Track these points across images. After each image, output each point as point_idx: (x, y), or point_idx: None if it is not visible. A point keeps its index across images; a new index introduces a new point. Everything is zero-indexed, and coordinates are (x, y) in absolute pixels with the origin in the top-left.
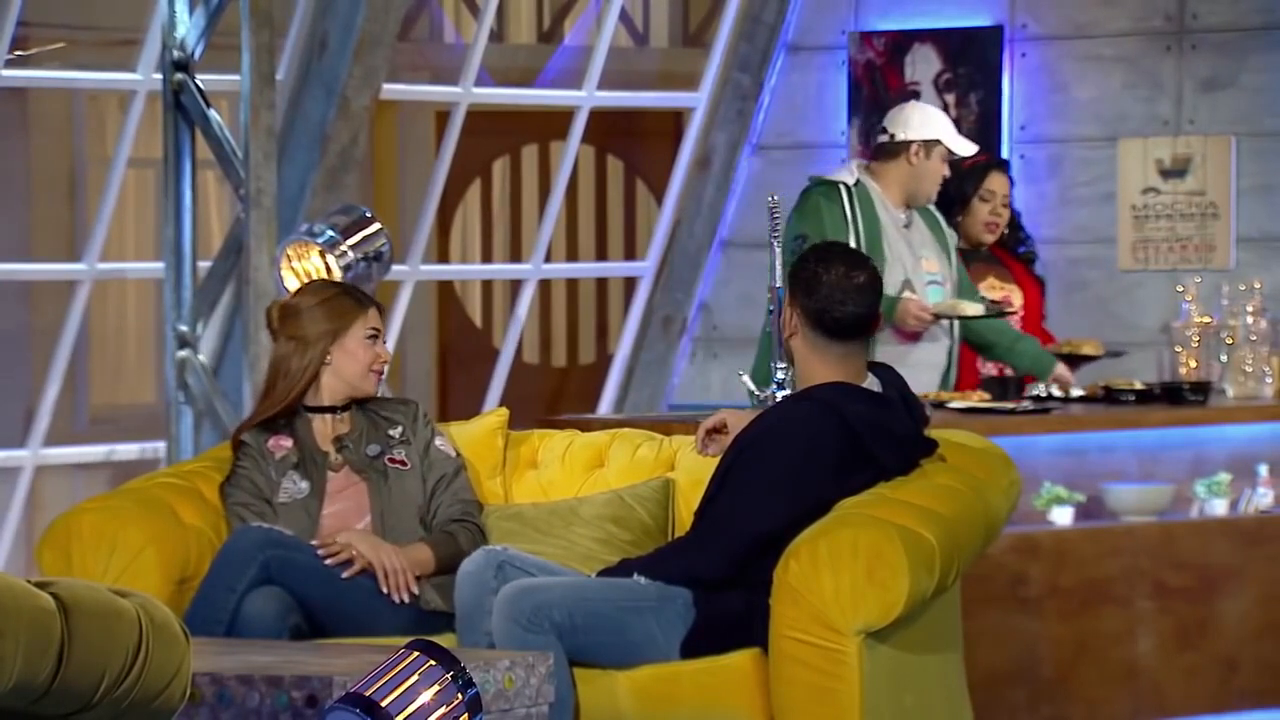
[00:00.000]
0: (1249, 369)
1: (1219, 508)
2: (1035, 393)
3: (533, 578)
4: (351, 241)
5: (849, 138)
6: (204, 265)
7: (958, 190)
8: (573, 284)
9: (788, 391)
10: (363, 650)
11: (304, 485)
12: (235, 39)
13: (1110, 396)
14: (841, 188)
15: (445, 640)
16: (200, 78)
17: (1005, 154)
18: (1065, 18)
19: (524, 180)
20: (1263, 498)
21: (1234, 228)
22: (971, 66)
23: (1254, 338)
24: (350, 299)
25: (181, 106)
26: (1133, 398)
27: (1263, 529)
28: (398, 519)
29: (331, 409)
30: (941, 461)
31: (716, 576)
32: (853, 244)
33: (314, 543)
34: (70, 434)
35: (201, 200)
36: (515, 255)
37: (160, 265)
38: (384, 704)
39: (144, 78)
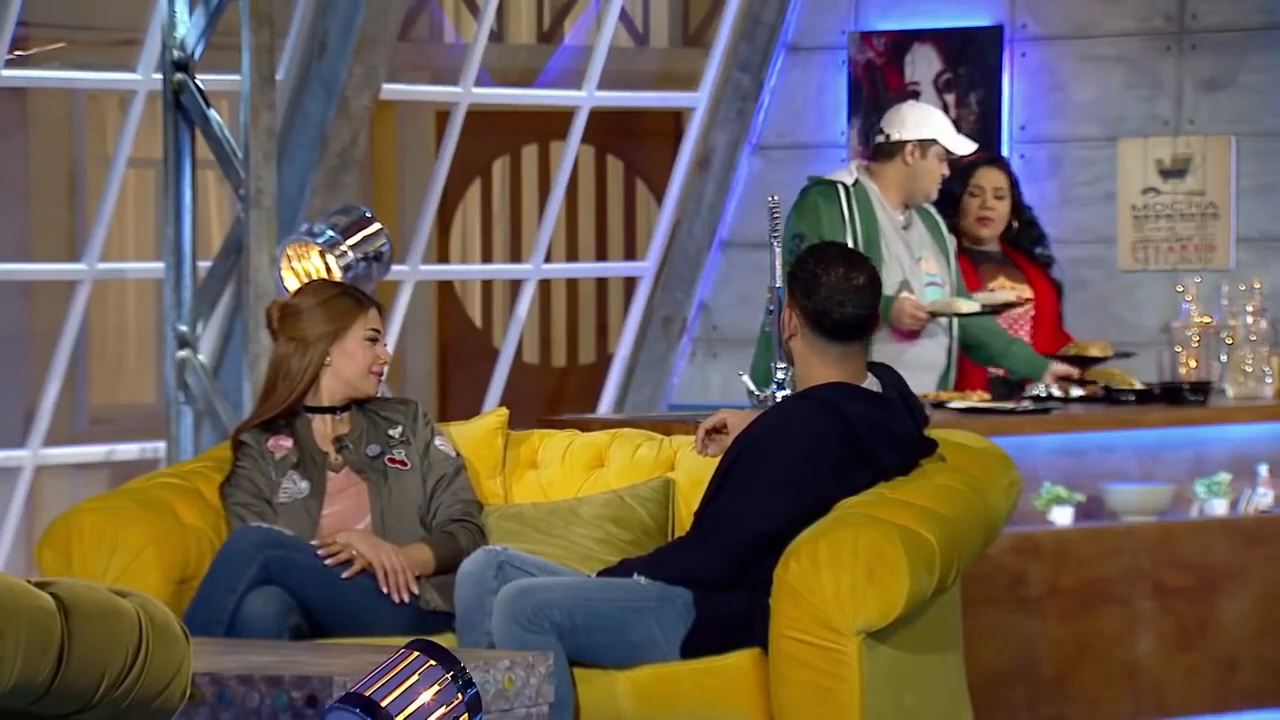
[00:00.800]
0: (1249, 369)
1: (1219, 508)
2: (1035, 393)
3: (533, 578)
4: (351, 241)
5: (849, 138)
6: (204, 265)
7: (948, 189)
8: (573, 284)
9: (788, 391)
10: (363, 650)
11: (304, 485)
12: (235, 39)
13: (1110, 396)
14: (840, 188)
15: (445, 640)
16: (200, 78)
17: (1005, 154)
18: (1065, 17)
19: (524, 180)
20: (1263, 498)
21: (1234, 228)
22: (971, 66)
23: (1254, 338)
24: (350, 299)
25: (181, 106)
26: (1133, 398)
27: (1263, 529)
28: (398, 519)
29: (331, 409)
30: (941, 461)
31: (716, 576)
32: (851, 244)
33: (314, 543)
34: (70, 434)
35: (201, 200)
36: (515, 255)
37: (160, 265)
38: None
39: (144, 78)
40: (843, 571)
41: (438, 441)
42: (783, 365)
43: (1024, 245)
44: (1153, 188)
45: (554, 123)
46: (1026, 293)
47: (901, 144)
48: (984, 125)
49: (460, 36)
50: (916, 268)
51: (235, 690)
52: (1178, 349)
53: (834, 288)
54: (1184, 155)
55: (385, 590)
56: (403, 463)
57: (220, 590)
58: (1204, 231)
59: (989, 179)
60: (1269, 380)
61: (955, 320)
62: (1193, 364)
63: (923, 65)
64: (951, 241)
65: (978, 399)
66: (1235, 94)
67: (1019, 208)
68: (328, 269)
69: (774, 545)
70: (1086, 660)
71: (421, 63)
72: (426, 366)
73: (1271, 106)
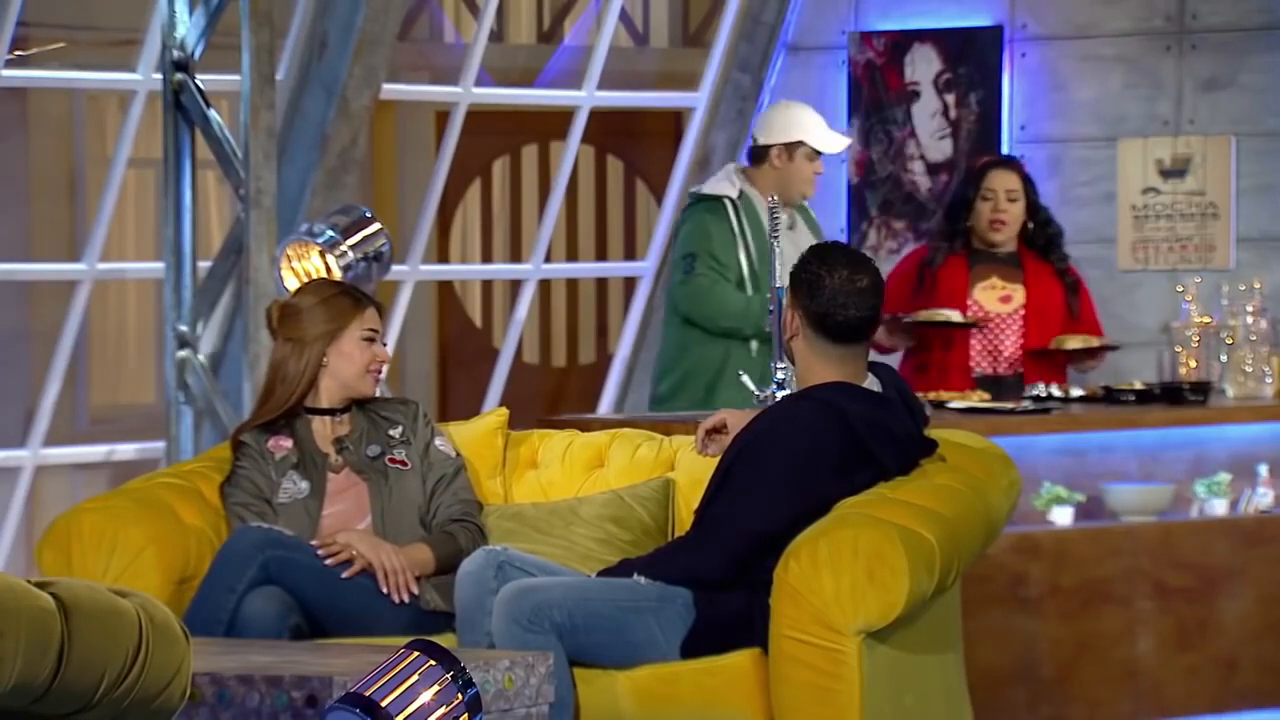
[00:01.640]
0: (1249, 369)
1: (1219, 508)
2: (1035, 393)
3: (533, 578)
4: (351, 241)
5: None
6: (204, 265)
7: (960, 194)
8: (573, 284)
9: (788, 391)
10: (363, 650)
11: (304, 486)
12: (235, 39)
13: (1110, 396)
14: (726, 202)
15: (445, 640)
16: (200, 78)
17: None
18: (1065, 18)
19: (524, 180)
20: (1263, 498)
21: (1234, 228)
22: (971, 66)
23: (1254, 338)
24: (348, 299)
25: (181, 106)
26: (1133, 398)
27: (1263, 529)
28: (398, 519)
29: (331, 411)
30: (941, 461)
31: (716, 576)
32: (742, 258)
33: (313, 542)
34: (70, 434)
35: (201, 200)
36: (515, 255)
37: (160, 265)
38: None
39: (144, 78)
40: (843, 571)
41: (438, 442)
42: (782, 365)
43: (1038, 245)
44: (1153, 188)
45: (554, 123)
46: (1018, 294)
47: (768, 148)
48: (984, 125)
49: (460, 36)
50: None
51: (235, 690)
52: (1178, 349)
53: (837, 289)
54: (1184, 155)
55: (385, 590)
56: (403, 463)
57: (220, 590)
58: (1204, 231)
59: (1001, 181)
60: (1269, 380)
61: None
62: (1193, 364)
63: (923, 65)
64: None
65: (977, 399)
66: (1235, 94)
67: (1035, 208)
68: (328, 269)
69: (774, 545)
70: (1086, 660)
71: (421, 63)
72: (426, 367)
73: (1271, 106)
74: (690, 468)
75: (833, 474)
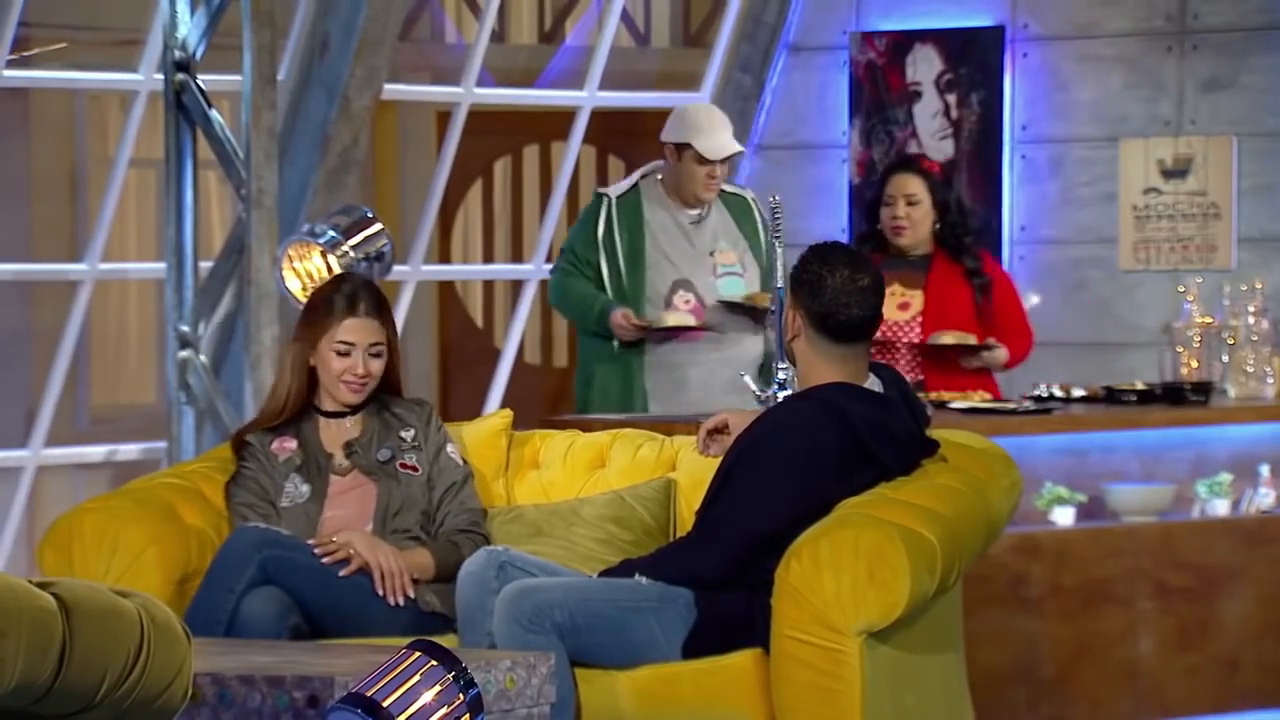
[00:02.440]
0: (1250, 369)
1: (1220, 508)
2: (1037, 393)
3: (534, 578)
4: (353, 242)
5: (850, 138)
6: (205, 266)
7: (873, 197)
8: None
9: (789, 392)
10: (364, 650)
11: (305, 489)
12: (237, 39)
13: (1112, 397)
14: (605, 200)
15: (446, 641)
16: (202, 78)
17: (1006, 154)
18: (1066, 18)
19: (525, 180)
20: (1264, 498)
21: (1235, 228)
22: (973, 67)
23: (1255, 338)
24: (329, 305)
25: (183, 107)
26: (1134, 398)
27: (1264, 529)
28: (401, 522)
29: (338, 413)
30: (943, 461)
31: (717, 577)
32: (603, 257)
33: (310, 541)
34: (71, 434)
35: (203, 200)
36: (516, 255)
37: (161, 265)
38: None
39: (145, 78)
40: (844, 572)
41: (449, 449)
42: (784, 365)
43: (949, 246)
44: (1154, 188)
45: (555, 123)
46: (916, 301)
47: (663, 146)
48: (985, 125)
49: (462, 37)
50: (709, 260)
51: (236, 690)
52: (1179, 349)
53: (839, 289)
54: (1185, 155)
55: (381, 592)
56: (414, 468)
57: (219, 590)
58: (1205, 232)
59: (899, 186)
60: (1270, 381)
61: (772, 312)
62: (1194, 364)
63: (924, 65)
64: (767, 230)
65: (979, 399)
66: (1236, 94)
67: (944, 209)
68: (329, 269)
69: (775, 545)
70: (1087, 660)
71: (423, 63)
72: (428, 367)
73: (1272, 107)
74: (691, 468)
75: (833, 474)
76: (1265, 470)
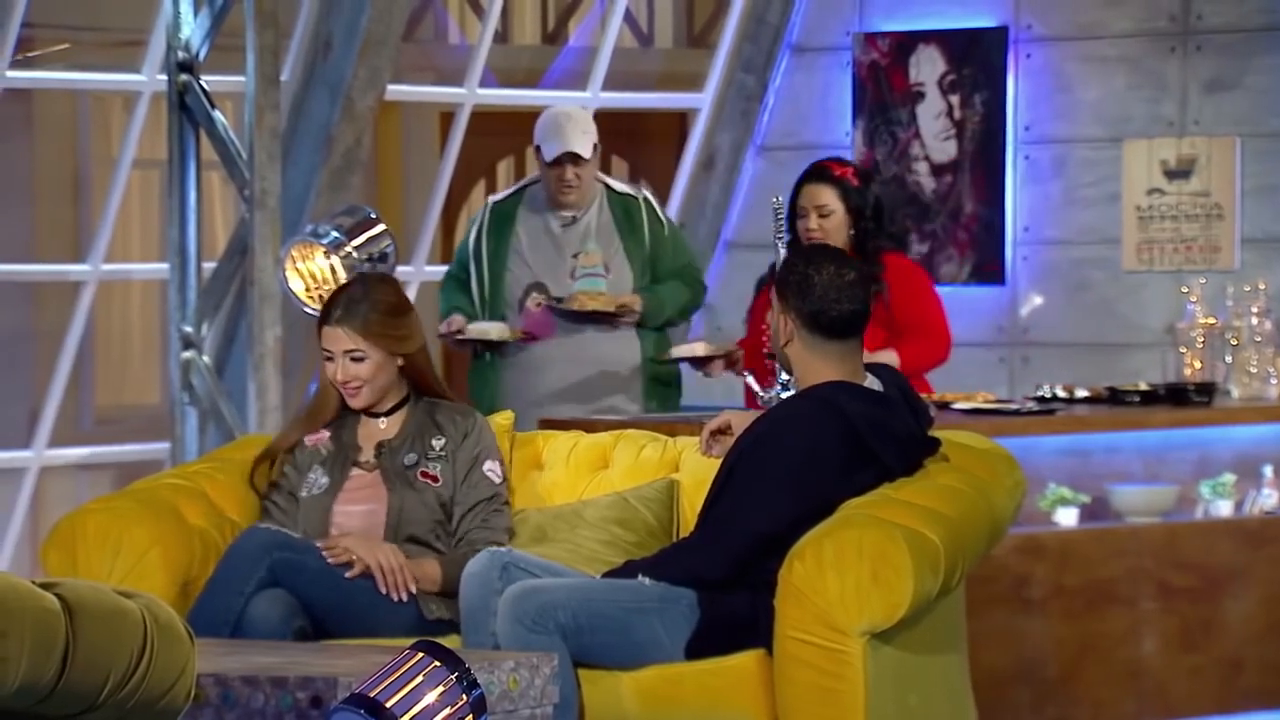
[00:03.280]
0: (1254, 370)
1: (1224, 509)
2: (1040, 394)
3: (537, 579)
4: (356, 242)
5: (853, 139)
6: (208, 266)
7: (790, 206)
8: None
9: (791, 393)
10: (368, 651)
11: (324, 481)
12: (240, 40)
13: (1115, 397)
14: (485, 207)
15: (450, 642)
16: (205, 79)
17: (1009, 155)
18: (1069, 19)
19: None
20: (1267, 499)
21: (1238, 229)
22: (976, 67)
23: (1259, 339)
24: (322, 313)
25: (186, 107)
26: (1137, 399)
27: (1267, 530)
28: (414, 530)
29: (374, 413)
30: (945, 462)
31: (720, 577)
32: (471, 263)
33: (318, 543)
34: (75, 435)
35: (206, 201)
36: None
37: (165, 266)
38: (389, 705)
39: (149, 79)
40: (847, 572)
41: (486, 466)
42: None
43: (867, 251)
44: (1157, 189)
45: None
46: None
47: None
48: (988, 126)
49: (465, 37)
50: (572, 263)
51: (240, 691)
52: (1182, 350)
53: (827, 285)
54: (1189, 156)
55: (384, 590)
56: (434, 478)
57: (228, 592)
58: (1209, 232)
59: (810, 197)
60: (1274, 381)
61: (637, 314)
62: (1197, 365)
63: (927, 66)
64: (652, 226)
65: (982, 399)
66: (1240, 95)
67: (858, 215)
68: (332, 270)
69: (777, 546)
70: (1091, 661)
71: (426, 63)
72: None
73: (1276, 107)
74: (694, 469)
75: (835, 473)
76: (1269, 471)
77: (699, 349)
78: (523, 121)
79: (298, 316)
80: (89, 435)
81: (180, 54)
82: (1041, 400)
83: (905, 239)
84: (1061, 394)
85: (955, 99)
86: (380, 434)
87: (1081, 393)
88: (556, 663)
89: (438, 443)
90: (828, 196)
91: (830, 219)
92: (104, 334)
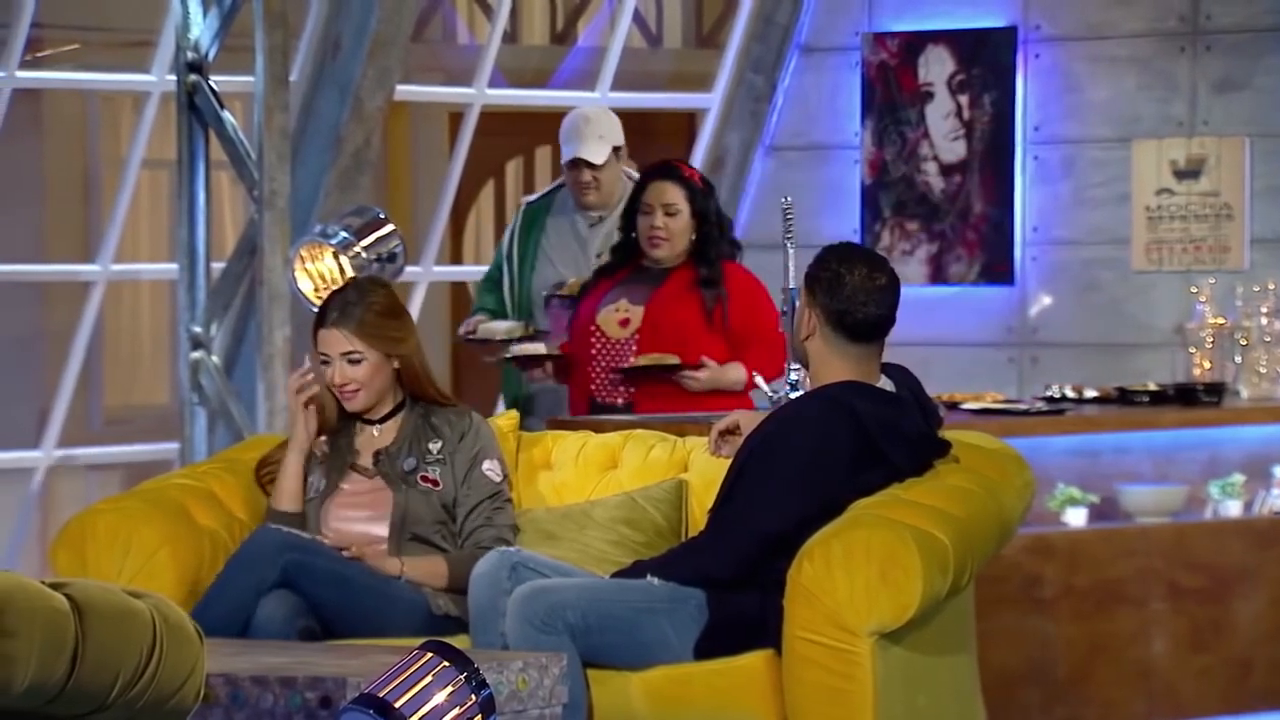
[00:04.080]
0: (1263, 370)
1: (1233, 509)
2: (1049, 394)
3: (546, 579)
4: (365, 243)
5: (862, 139)
6: (218, 266)
7: (630, 205)
8: None
9: (801, 392)
10: (377, 651)
11: (322, 484)
12: (249, 40)
13: (1124, 397)
14: (520, 208)
15: (459, 641)
16: (214, 79)
17: (1018, 155)
18: (1079, 19)
19: (537, 181)
20: (1277, 499)
21: (1248, 229)
22: (985, 67)
23: (1268, 339)
24: (318, 316)
25: (195, 108)
26: (1147, 399)
27: (1277, 530)
28: (419, 532)
29: (369, 420)
30: (955, 462)
31: (729, 577)
32: (504, 263)
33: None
34: (84, 435)
35: (215, 201)
36: None
37: (174, 266)
38: (398, 705)
39: (158, 79)
40: (856, 572)
41: (485, 466)
42: (796, 366)
43: (696, 257)
44: (1167, 189)
45: None
46: (635, 317)
47: None
48: (998, 126)
49: (474, 37)
50: (596, 262)
51: (249, 691)
52: (1192, 350)
53: (857, 287)
54: (1198, 156)
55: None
56: (434, 482)
57: (241, 591)
58: (1218, 233)
59: (656, 194)
60: None
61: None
62: (1207, 365)
63: (936, 66)
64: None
65: (991, 400)
66: (1249, 95)
67: (703, 218)
68: (341, 270)
69: (786, 546)
70: (1100, 661)
71: (435, 64)
72: (439, 368)
73: None
74: (703, 469)
75: (844, 472)
76: (1278, 471)
77: (541, 348)
78: (532, 122)
79: (306, 317)
80: (98, 435)
81: (189, 54)
82: (1051, 400)
83: (740, 255)
84: (1071, 394)
85: (964, 99)
86: (377, 442)
87: (1091, 393)
88: (565, 663)
89: (434, 446)
90: (675, 195)
91: (676, 219)
92: (113, 334)
